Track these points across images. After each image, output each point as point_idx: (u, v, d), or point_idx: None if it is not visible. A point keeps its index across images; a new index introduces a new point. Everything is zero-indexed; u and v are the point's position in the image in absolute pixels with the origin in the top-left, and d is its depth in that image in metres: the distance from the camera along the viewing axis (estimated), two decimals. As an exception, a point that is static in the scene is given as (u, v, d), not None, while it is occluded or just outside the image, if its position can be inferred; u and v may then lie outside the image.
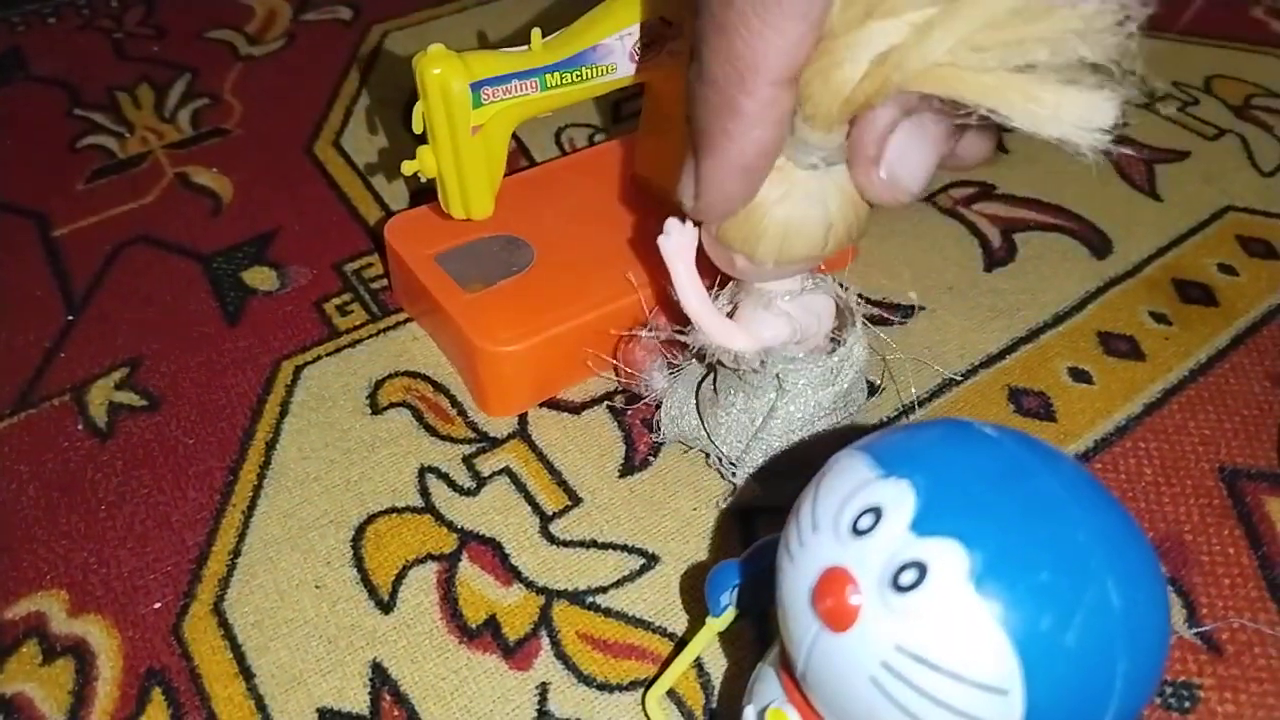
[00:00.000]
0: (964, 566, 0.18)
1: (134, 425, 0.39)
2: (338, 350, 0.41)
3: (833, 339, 0.33)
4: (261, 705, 0.30)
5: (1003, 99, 0.22)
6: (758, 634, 0.31)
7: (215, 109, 0.55)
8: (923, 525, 0.19)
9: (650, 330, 0.35)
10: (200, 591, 0.33)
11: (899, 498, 0.19)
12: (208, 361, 0.41)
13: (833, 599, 0.19)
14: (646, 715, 0.30)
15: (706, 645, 0.30)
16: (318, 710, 0.30)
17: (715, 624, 0.29)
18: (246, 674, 0.31)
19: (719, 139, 0.25)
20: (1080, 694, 0.18)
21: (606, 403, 0.39)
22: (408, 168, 0.37)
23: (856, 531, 0.19)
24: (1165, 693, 0.31)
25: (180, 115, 0.54)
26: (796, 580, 0.20)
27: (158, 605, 0.33)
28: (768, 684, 0.23)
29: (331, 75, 0.57)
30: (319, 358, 0.41)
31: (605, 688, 0.31)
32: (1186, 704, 0.31)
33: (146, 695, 0.31)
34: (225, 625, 0.32)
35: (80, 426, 0.39)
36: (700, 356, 0.33)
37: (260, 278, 0.45)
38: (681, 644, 0.32)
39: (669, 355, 0.37)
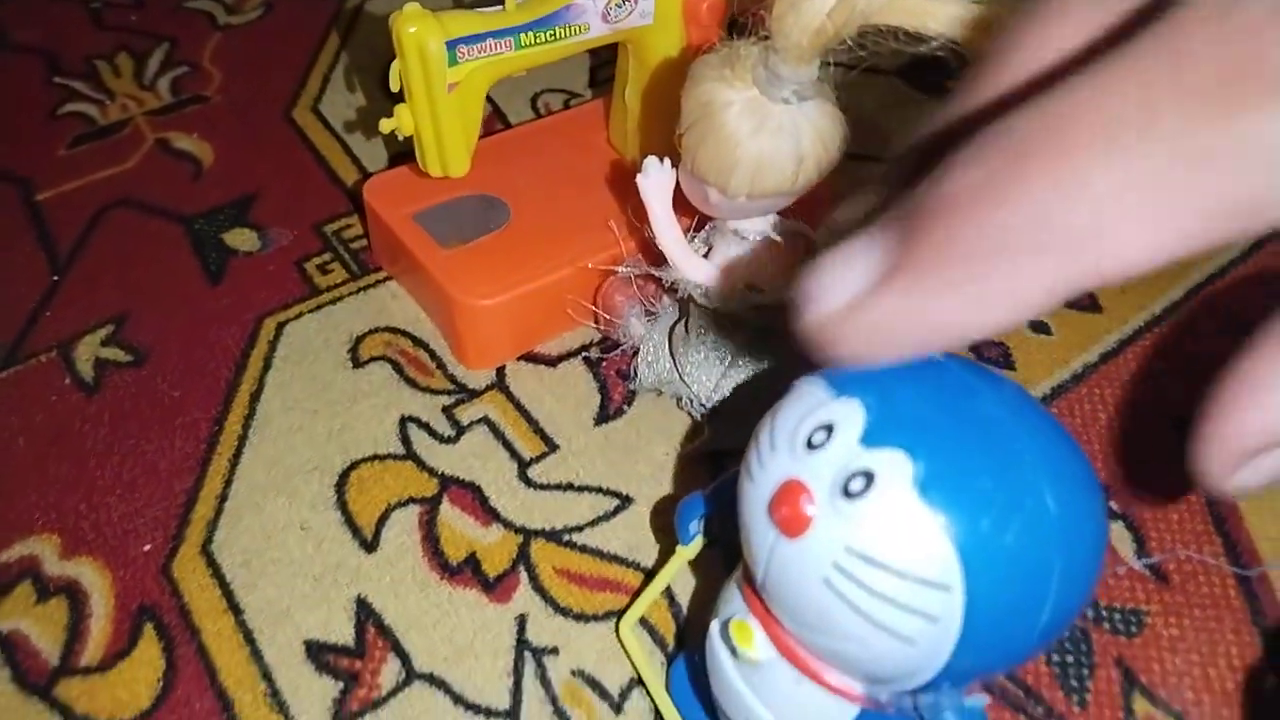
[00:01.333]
0: (909, 474, 0.19)
1: (120, 380, 0.39)
2: (319, 307, 0.42)
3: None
4: (250, 638, 0.32)
5: (964, 29, 0.23)
6: (725, 562, 0.33)
7: (194, 77, 0.55)
8: (871, 438, 0.20)
9: (627, 266, 0.36)
10: (189, 534, 0.34)
11: (850, 415, 0.20)
12: (191, 319, 0.42)
13: (788, 507, 0.20)
14: (621, 642, 0.31)
15: (676, 573, 0.31)
16: (304, 642, 0.31)
17: (684, 552, 0.30)
18: (235, 609, 0.32)
19: None
20: (1018, 591, 0.19)
21: (583, 354, 0.40)
22: (385, 125, 0.38)
23: (810, 447, 0.20)
24: (1114, 619, 0.32)
25: (160, 83, 0.55)
26: (756, 496, 0.21)
27: (147, 547, 0.34)
28: (731, 598, 0.25)
29: (309, 42, 0.58)
30: (300, 314, 0.42)
31: (581, 618, 0.32)
32: (1134, 629, 0.32)
33: (139, 630, 0.32)
34: (213, 565, 0.33)
35: (68, 381, 0.39)
36: (674, 292, 0.34)
37: (241, 239, 0.46)
38: (653, 575, 0.33)
39: (647, 303, 0.38)
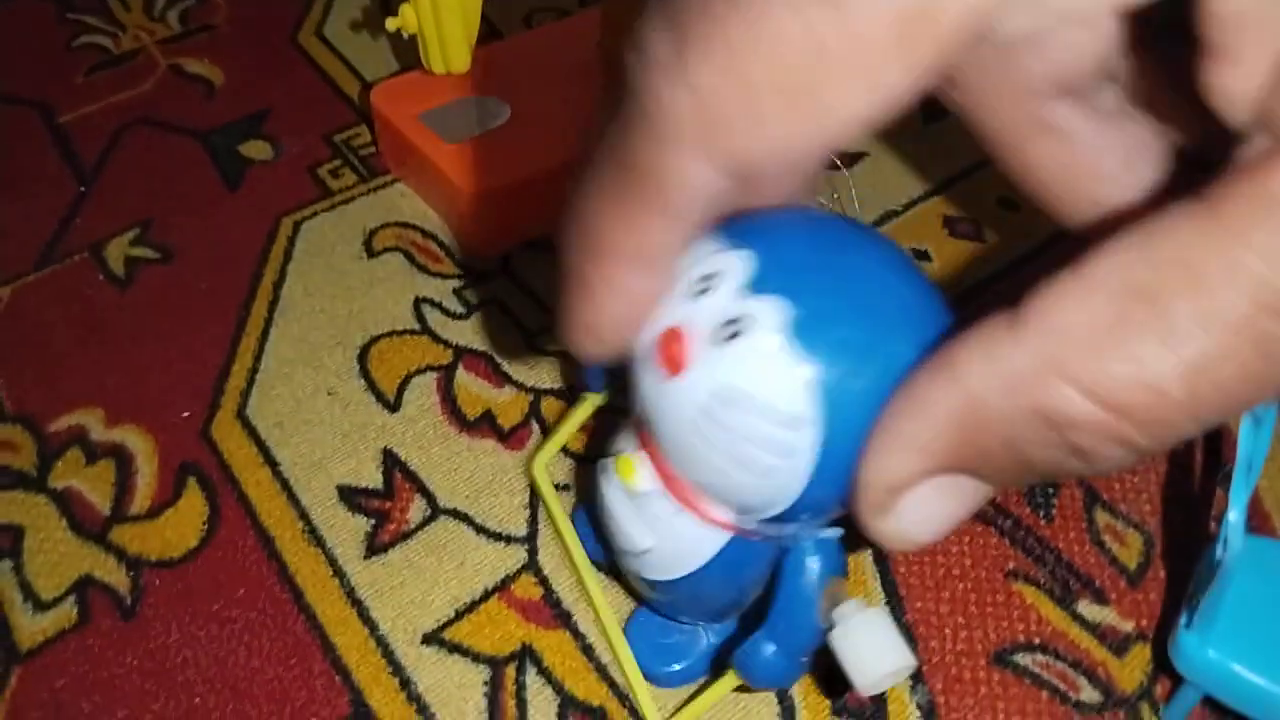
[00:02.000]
0: (779, 320, 0.20)
1: (150, 275, 0.42)
2: (333, 207, 0.45)
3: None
4: (286, 486, 0.34)
5: None
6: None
7: (202, 7, 0.58)
8: (751, 287, 0.21)
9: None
10: (224, 402, 0.37)
11: (734, 265, 0.21)
12: (213, 220, 0.44)
13: (667, 350, 0.21)
14: (532, 480, 0.34)
15: (585, 418, 0.33)
16: (337, 488, 0.34)
17: (593, 399, 0.32)
18: (271, 463, 0.35)
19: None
20: (870, 423, 0.20)
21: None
22: (391, 24, 0.40)
23: (696, 294, 0.21)
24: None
25: (169, 15, 0.57)
26: (644, 337, 0.22)
27: (186, 414, 0.37)
28: (623, 436, 0.26)
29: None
30: (315, 214, 0.45)
31: (587, 460, 0.35)
32: (1095, 456, 0.35)
33: (182, 483, 0.35)
34: (249, 427, 0.36)
35: (101, 277, 0.42)
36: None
37: (256, 149, 0.48)
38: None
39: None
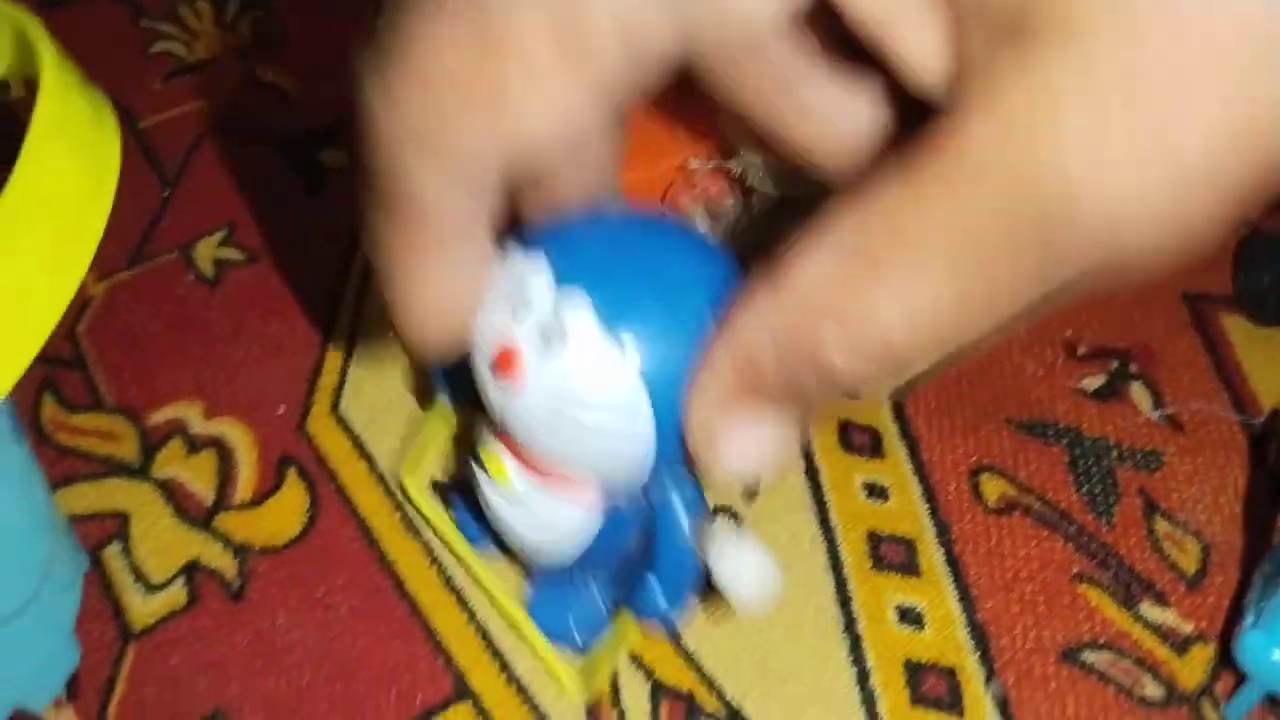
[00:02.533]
0: (594, 321, 0.22)
1: (239, 275, 0.44)
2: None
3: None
4: (382, 479, 0.36)
5: None
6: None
7: (270, 19, 0.60)
8: (562, 295, 0.22)
9: (698, 162, 0.41)
10: (317, 398, 0.39)
11: (537, 271, 0.23)
12: (296, 224, 0.46)
13: (503, 368, 0.23)
14: (404, 490, 0.35)
15: (439, 427, 0.35)
16: (433, 483, 0.36)
17: (440, 409, 0.34)
18: (367, 458, 0.37)
19: None
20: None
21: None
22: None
23: (516, 308, 0.23)
24: (1136, 457, 0.37)
25: (240, 24, 0.59)
26: (482, 357, 0.24)
27: (281, 409, 0.39)
28: (482, 429, 0.28)
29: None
30: (394, 220, 0.46)
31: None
32: (1154, 466, 0.37)
33: (283, 475, 0.37)
34: (343, 423, 0.38)
35: (191, 277, 0.44)
36: (741, 182, 0.39)
37: (334, 158, 0.50)
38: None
39: (710, 204, 0.43)
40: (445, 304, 0.23)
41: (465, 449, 0.29)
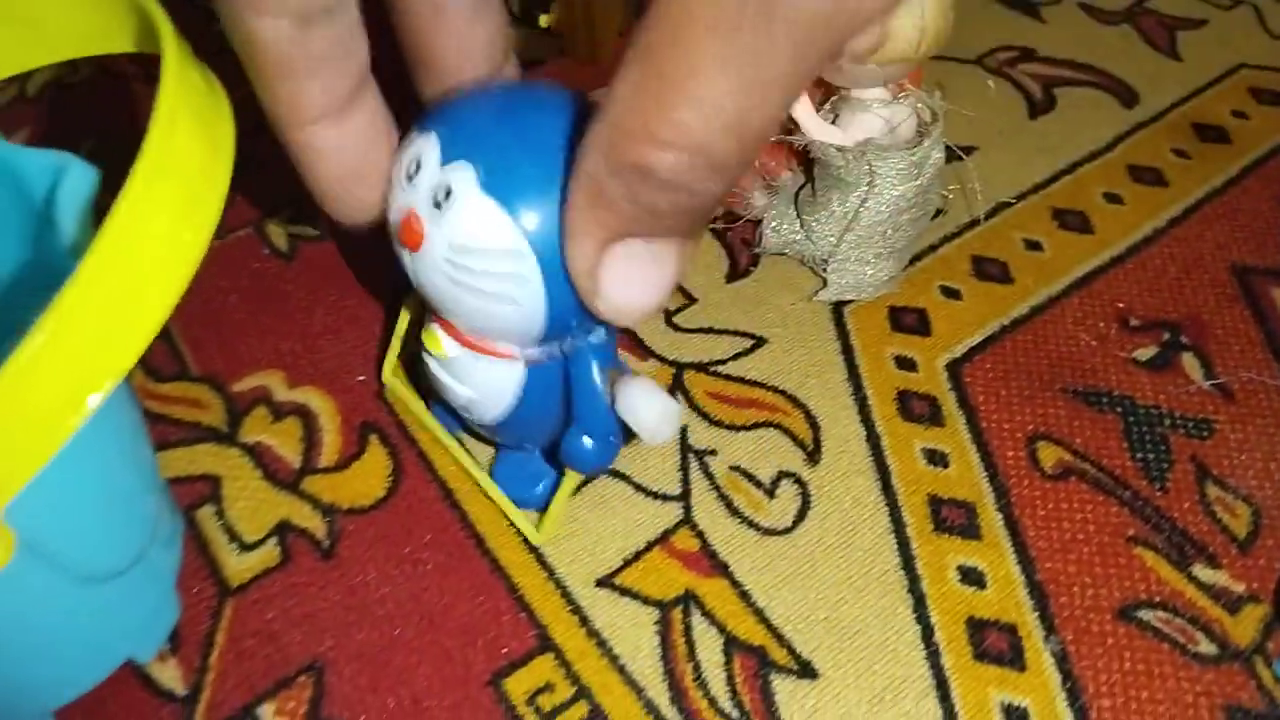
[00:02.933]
0: (474, 178, 0.25)
1: (313, 250, 0.46)
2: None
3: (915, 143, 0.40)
4: (461, 443, 0.38)
5: None
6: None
7: None
8: (445, 159, 0.26)
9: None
10: (389, 354, 0.40)
11: (429, 146, 0.26)
12: (365, 200, 0.48)
13: (405, 232, 0.27)
14: (388, 389, 0.39)
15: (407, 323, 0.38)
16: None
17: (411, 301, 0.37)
18: (443, 423, 0.38)
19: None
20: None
21: (709, 226, 0.46)
22: (544, 21, 0.43)
23: (410, 179, 0.27)
24: (1188, 425, 0.38)
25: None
26: (391, 227, 0.28)
27: (361, 378, 0.40)
28: (426, 316, 0.32)
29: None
30: (459, 196, 0.48)
31: (732, 428, 0.38)
32: (1205, 434, 0.38)
33: (365, 440, 0.38)
34: (419, 390, 0.40)
35: (266, 251, 0.46)
36: (805, 155, 0.40)
37: (397, 135, 0.51)
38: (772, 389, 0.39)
39: (767, 178, 0.44)
40: (341, 166, 0.26)
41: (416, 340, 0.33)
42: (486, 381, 0.31)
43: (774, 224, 0.43)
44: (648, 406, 0.29)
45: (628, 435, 0.30)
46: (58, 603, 0.28)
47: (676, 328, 0.42)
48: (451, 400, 0.33)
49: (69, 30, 0.29)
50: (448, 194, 0.25)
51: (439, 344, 0.31)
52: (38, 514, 0.22)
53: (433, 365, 0.32)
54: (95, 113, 0.53)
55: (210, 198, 0.25)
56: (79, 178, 0.27)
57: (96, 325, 0.21)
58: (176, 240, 0.23)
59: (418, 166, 0.26)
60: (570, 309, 0.26)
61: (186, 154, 0.24)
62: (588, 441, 0.30)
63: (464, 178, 0.25)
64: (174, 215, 0.24)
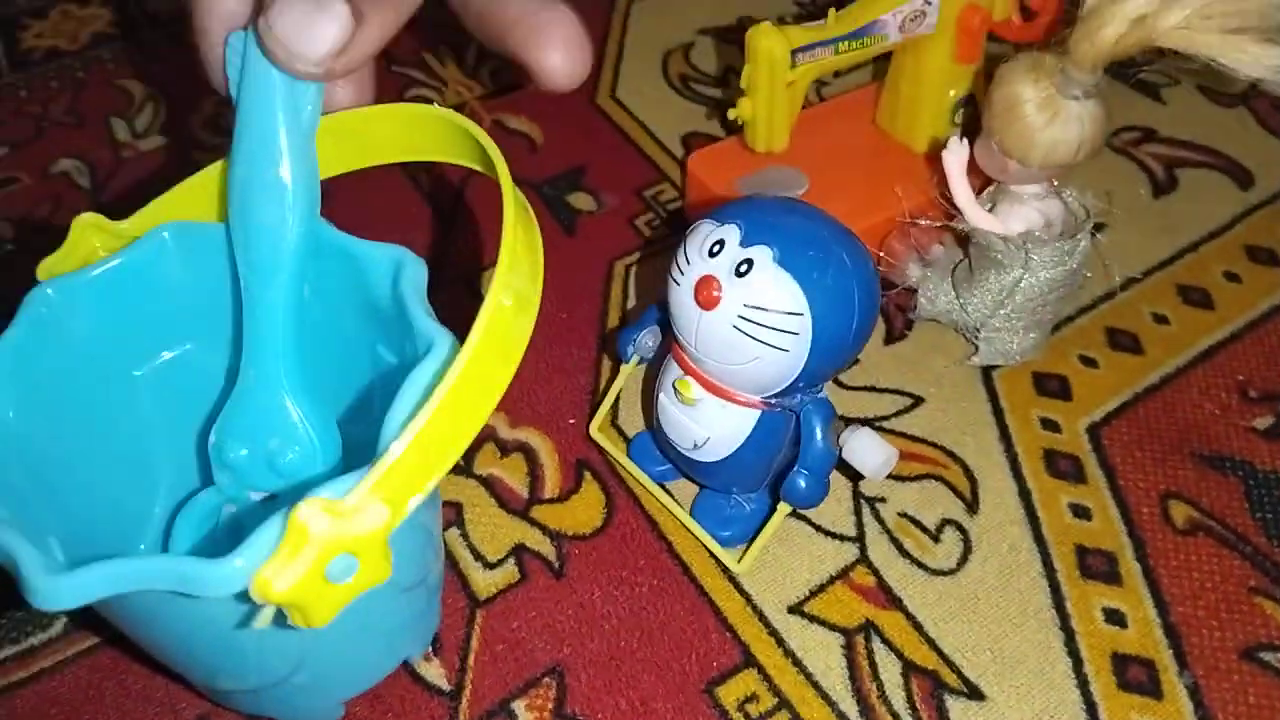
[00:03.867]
0: (770, 255, 0.34)
1: (517, 304, 0.52)
2: (654, 255, 0.55)
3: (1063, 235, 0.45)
4: (662, 487, 0.44)
5: (1222, 51, 0.35)
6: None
7: (508, 68, 0.68)
8: (746, 242, 0.34)
9: (926, 220, 0.48)
10: (599, 412, 0.47)
11: (730, 231, 0.35)
12: (558, 261, 0.54)
13: (706, 290, 0.35)
14: (595, 442, 0.45)
15: (624, 381, 0.44)
16: (701, 487, 0.44)
17: (626, 368, 0.43)
18: (647, 465, 0.45)
19: None
20: (838, 308, 0.34)
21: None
22: (733, 114, 0.50)
23: (711, 254, 0.35)
24: (1305, 490, 0.43)
25: (481, 72, 0.68)
26: (684, 291, 0.36)
27: (572, 421, 0.47)
28: (669, 370, 0.39)
29: (596, 35, 0.70)
30: (641, 259, 0.54)
31: (900, 479, 0.44)
32: (1320, 498, 0.43)
33: (581, 476, 0.45)
34: (621, 433, 0.46)
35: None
36: (965, 239, 0.46)
37: (582, 201, 0.58)
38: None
39: (922, 251, 0.50)
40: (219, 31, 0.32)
41: (653, 392, 0.41)
42: (724, 424, 0.38)
43: (928, 293, 0.49)
44: (874, 453, 0.38)
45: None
46: (382, 607, 0.35)
47: (842, 385, 0.48)
48: (683, 442, 0.39)
49: (391, 143, 0.36)
50: (749, 265, 0.34)
51: (689, 389, 0.38)
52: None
53: (673, 411, 0.39)
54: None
55: (535, 297, 0.31)
56: (414, 269, 0.34)
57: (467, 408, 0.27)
58: (519, 334, 0.30)
59: (720, 246, 0.35)
60: (822, 363, 0.35)
61: (526, 264, 0.31)
62: (808, 478, 0.37)
63: (763, 254, 0.34)
64: (517, 312, 0.30)
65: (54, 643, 0.40)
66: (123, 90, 0.67)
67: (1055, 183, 0.45)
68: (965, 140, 0.45)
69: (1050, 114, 0.40)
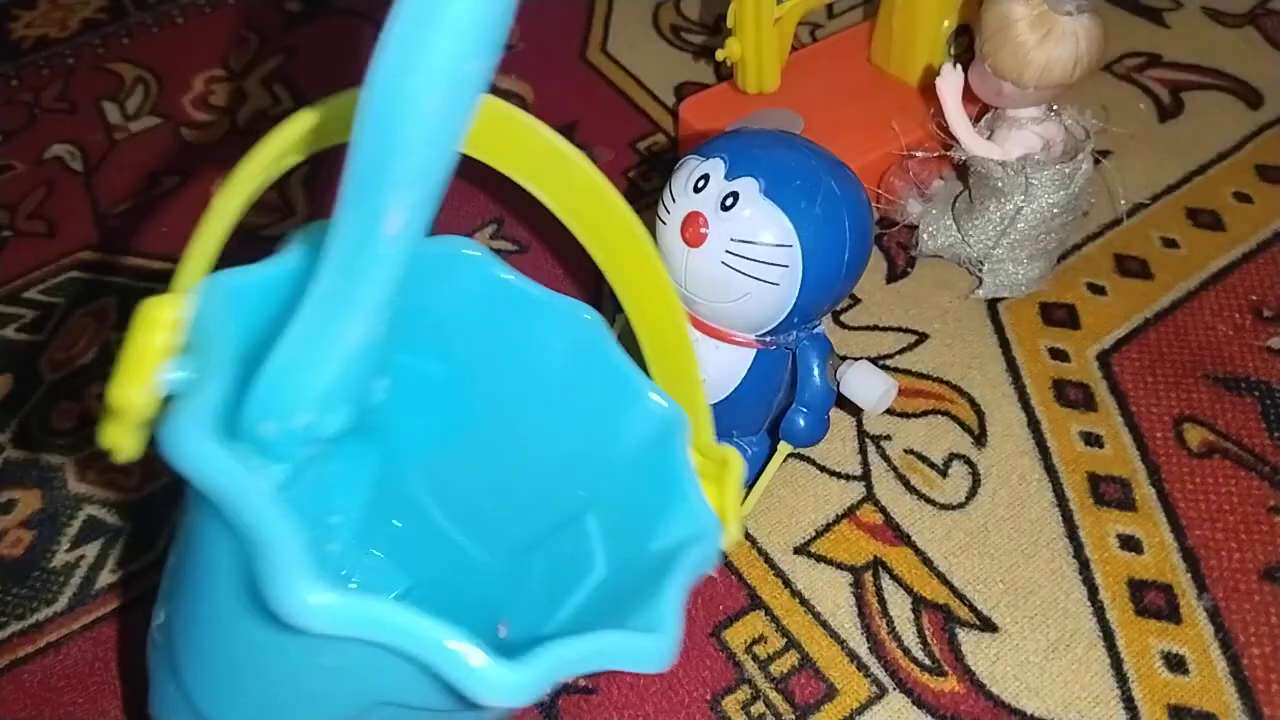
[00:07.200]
0: (757, 187, 0.33)
1: (514, 262, 0.51)
2: (649, 206, 0.54)
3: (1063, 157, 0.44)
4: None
5: None
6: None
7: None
8: (730, 175, 0.33)
9: (923, 151, 0.47)
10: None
11: (715, 165, 0.34)
12: (551, 218, 0.54)
13: (692, 227, 0.34)
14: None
15: (618, 330, 0.40)
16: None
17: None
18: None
19: None
20: (828, 240, 0.34)
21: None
22: (720, 54, 0.49)
23: (696, 190, 0.34)
24: (1324, 407, 0.42)
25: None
26: (670, 230, 0.35)
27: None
28: None
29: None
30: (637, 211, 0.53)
31: (904, 415, 0.43)
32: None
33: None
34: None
35: (472, 265, 0.52)
36: (963, 168, 0.45)
37: (575, 155, 0.57)
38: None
39: (921, 186, 0.49)
40: None
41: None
42: (719, 365, 0.37)
43: (930, 229, 0.48)
44: (871, 386, 0.37)
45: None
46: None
47: (844, 325, 0.47)
48: None
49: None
50: (735, 199, 0.33)
51: None
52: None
53: None
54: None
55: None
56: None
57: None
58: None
59: (705, 180, 0.34)
60: (814, 297, 0.34)
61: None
62: (807, 416, 0.37)
63: (748, 186, 0.33)
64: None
65: (60, 617, 0.39)
66: (113, 73, 0.67)
67: (1054, 108, 0.44)
68: (960, 67, 0.44)
69: (1043, 31, 0.39)
